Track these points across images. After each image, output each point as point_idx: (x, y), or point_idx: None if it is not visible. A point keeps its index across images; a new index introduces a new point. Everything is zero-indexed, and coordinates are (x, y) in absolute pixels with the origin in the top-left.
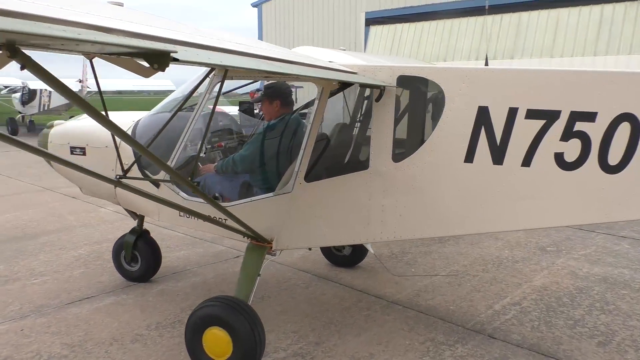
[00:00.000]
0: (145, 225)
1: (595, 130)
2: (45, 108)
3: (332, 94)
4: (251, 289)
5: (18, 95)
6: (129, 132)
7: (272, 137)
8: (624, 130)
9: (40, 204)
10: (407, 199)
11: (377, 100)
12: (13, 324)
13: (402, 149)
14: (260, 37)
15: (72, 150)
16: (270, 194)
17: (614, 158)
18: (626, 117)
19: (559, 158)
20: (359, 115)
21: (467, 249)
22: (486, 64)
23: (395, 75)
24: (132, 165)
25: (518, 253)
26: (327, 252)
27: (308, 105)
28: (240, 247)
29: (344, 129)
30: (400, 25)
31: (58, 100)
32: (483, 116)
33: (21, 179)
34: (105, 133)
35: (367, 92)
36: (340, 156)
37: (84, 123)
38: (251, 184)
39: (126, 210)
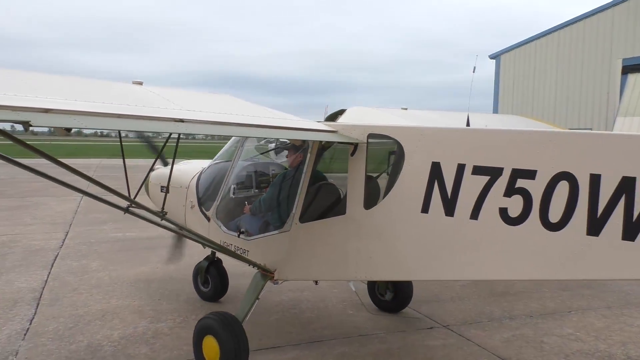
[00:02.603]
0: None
1: (535, 188)
2: None
3: (321, 149)
4: (249, 310)
5: None
6: (200, 176)
7: (287, 182)
8: (562, 189)
9: None
10: (375, 243)
11: (352, 154)
12: None
13: (372, 198)
14: (497, 89)
15: (161, 188)
16: (275, 232)
17: (554, 216)
18: (564, 175)
19: (503, 213)
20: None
21: None
22: (467, 124)
23: (366, 133)
24: (137, 192)
25: None
26: (373, 296)
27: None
28: (437, 319)
29: (321, 177)
30: None
31: None
32: (436, 171)
33: None
34: (181, 177)
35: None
36: (326, 202)
37: (168, 169)
38: (269, 222)
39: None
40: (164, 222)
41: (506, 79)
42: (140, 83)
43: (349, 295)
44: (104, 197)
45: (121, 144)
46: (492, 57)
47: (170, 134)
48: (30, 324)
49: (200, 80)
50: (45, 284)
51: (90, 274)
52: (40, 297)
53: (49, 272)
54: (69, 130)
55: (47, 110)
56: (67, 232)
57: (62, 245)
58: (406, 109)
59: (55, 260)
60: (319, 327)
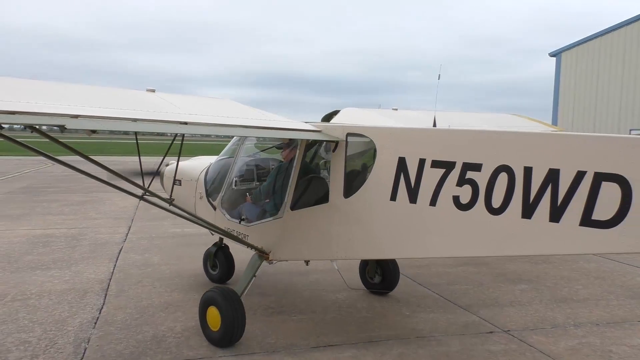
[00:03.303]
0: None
1: (481, 178)
2: None
3: (308, 146)
4: (246, 286)
5: None
6: (207, 170)
7: (280, 175)
8: (502, 179)
9: None
10: (353, 227)
11: (333, 150)
12: (265, 357)
13: (350, 188)
14: (557, 87)
15: (174, 182)
16: (270, 218)
17: (496, 202)
18: (504, 168)
19: (456, 200)
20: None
21: None
22: (434, 125)
23: (345, 132)
24: (151, 182)
25: None
26: (363, 279)
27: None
28: (496, 323)
29: (313, 170)
30: None
31: None
32: (402, 165)
33: None
34: (191, 172)
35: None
36: (312, 191)
37: (182, 165)
38: (265, 210)
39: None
40: (172, 208)
41: (567, 78)
42: (153, 90)
43: (405, 296)
44: (123, 187)
45: (137, 143)
46: (552, 54)
47: (176, 134)
48: (100, 313)
49: (253, 80)
50: (111, 276)
51: (152, 267)
52: (108, 288)
53: (115, 265)
54: (93, 131)
55: (76, 116)
56: (130, 227)
57: (125, 239)
58: (396, 109)
59: (119, 253)
60: (376, 327)
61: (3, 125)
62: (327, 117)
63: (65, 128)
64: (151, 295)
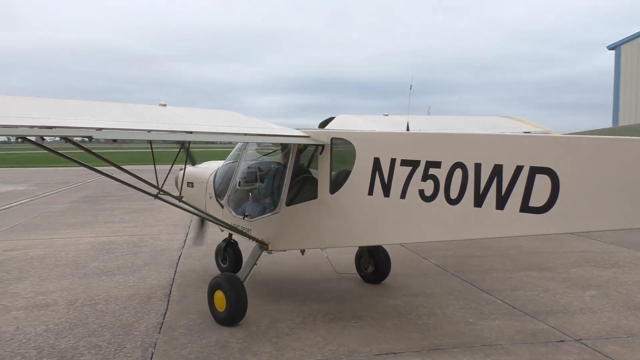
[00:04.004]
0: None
1: (441, 174)
2: None
3: (300, 149)
4: (248, 273)
5: None
6: (215, 173)
7: (277, 176)
8: (458, 174)
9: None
10: (338, 219)
11: (320, 153)
12: None
13: (335, 185)
14: (617, 83)
15: (188, 184)
16: (269, 214)
17: (453, 194)
18: (459, 164)
19: (421, 193)
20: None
21: None
22: (407, 129)
23: (330, 137)
24: (163, 183)
25: None
26: (358, 269)
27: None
28: (567, 332)
29: (305, 171)
30: None
31: None
32: (377, 164)
33: None
34: (202, 175)
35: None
36: (304, 189)
37: (194, 169)
38: (265, 206)
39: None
40: (183, 205)
41: (628, 71)
42: (165, 105)
43: (466, 302)
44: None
45: (152, 150)
46: (610, 47)
47: (183, 141)
48: (164, 318)
49: (301, 86)
50: (172, 282)
51: (211, 274)
52: (170, 293)
53: (175, 271)
54: (114, 140)
55: (100, 129)
56: (187, 233)
57: (183, 245)
58: (387, 115)
59: (179, 259)
60: (439, 335)
61: (44, 138)
62: (324, 123)
63: (92, 138)
64: None
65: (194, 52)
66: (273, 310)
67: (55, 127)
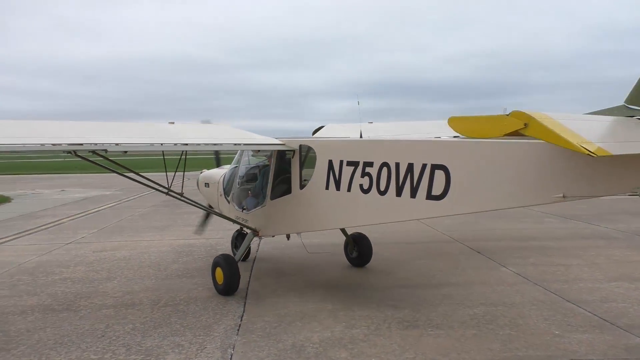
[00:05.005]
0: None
1: (373, 172)
2: None
3: (281, 154)
4: (242, 254)
5: None
6: (224, 175)
7: (264, 176)
8: (384, 171)
9: (447, 254)
10: (306, 210)
11: (292, 157)
12: None
13: (304, 183)
14: None
15: (205, 184)
16: (259, 207)
17: (382, 187)
18: (385, 164)
19: (361, 187)
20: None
21: None
22: (360, 136)
23: (298, 144)
24: (172, 180)
25: None
26: (346, 254)
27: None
28: None
29: (285, 172)
30: None
31: None
32: (330, 165)
33: (443, 227)
34: (214, 177)
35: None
36: (283, 186)
37: (210, 172)
38: (257, 201)
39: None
40: (188, 200)
41: None
42: (173, 122)
43: (551, 313)
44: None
45: (164, 159)
46: None
47: (182, 152)
48: (241, 320)
49: (371, 90)
50: (248, 285)
51: (285, 277)
52: (246, 296)
53: (250, 274)
54: (125, 152)
55: (117, 144)
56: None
57: (257, 249)
58: (372, 122)
59: (254, 262)
60: (522, 347)
61: (77, 152)
62: (316, 131)
63: (107, 151)
64: (286, 305)
65: (264, 60)
66: (347, 316)
67: (84, 143)
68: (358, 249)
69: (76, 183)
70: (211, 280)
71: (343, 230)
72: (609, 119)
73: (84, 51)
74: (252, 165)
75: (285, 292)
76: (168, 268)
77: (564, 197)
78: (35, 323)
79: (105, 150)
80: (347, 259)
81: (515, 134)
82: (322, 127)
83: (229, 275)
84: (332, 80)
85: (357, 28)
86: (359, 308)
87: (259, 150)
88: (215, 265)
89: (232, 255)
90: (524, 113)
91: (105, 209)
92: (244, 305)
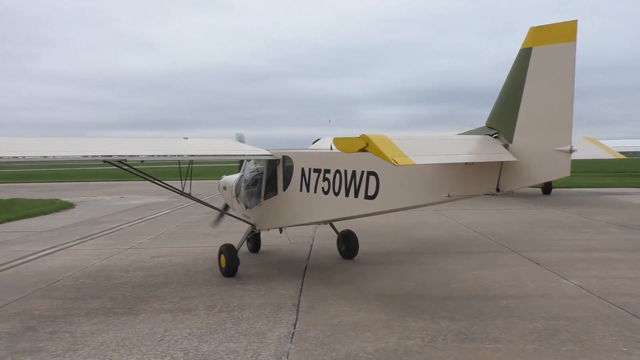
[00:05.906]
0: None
1: (331, 177)
2: None
3: (271, 162)
4: (241, 244)
5: None
6: (236, 182)
7: (261, 181)
8: (338, 177)
9: (503, 265)
10: (287, 208)
11: (277, 165)
12: None
13: (285, 186)
14: None
15: (223, 187)
16: (256, 206)
17: (336, 189)
18: (339, 171)
19: (322, 189)
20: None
21: None
22: (331, 149)
23: (281, 155)
24: (183, 187)
25: None
26: (337, 248)
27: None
28: None
29: (274, 177)
30: None
31: None
32: (302, 172)
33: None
34: (229, 182)
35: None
36: (272, 189)
37: (227, 177)
38: (256, 201)
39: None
40: (202, 200)
41: None
42: (186, 138)
43: (619, 329)
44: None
45: (179, 167)
46: None
47: (189, 162)
48: (294, 328)
49: (418, 97)
50: (300, 293)
51: (337, 286)
52: (299, 304)
53: (302, 282)
54: (142, 161)
55: (134, 155)
56: (312, 245)
57: (309, 257)
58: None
59: (305, 270)
60: None
61: (105, 161)
62: (315, 142)
63: (126, 161)
64: (339, 314)
65: (311, 68)
66: (401, 327)
67: (112, 155)
68: (346, 243)
69: (134, 190)
70: (263, 289)
71: (333, 228)
72: (457, 137)
73: (140, 63)
74: (254, 172)
75: (337, 301)
76: (221, 274)
77: (448, 196)
78: (99, 325)
79: (125, 161)
80: (339, 252)
81: (364, 150)
82: (318, 139)
83: (229, 260)
84: (378, 87)
85: (403, 35)
86: (413, 319)
87: (249, 160)
88: (220, 252)
89: (234, 246)
90: (366, 135)
91: (161, 215)
92: (297, 313)
